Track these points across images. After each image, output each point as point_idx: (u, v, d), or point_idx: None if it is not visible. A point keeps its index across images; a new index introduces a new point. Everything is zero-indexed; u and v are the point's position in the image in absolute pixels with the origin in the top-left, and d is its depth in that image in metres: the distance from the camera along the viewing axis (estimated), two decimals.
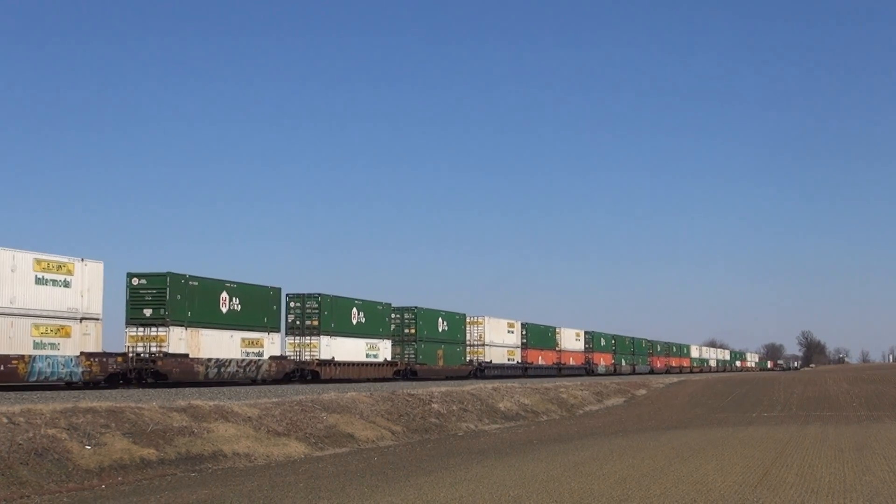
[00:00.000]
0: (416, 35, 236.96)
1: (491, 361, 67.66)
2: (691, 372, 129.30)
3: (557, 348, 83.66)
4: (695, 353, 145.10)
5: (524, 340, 75.16)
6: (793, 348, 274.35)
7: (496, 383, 48.82)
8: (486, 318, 68.19)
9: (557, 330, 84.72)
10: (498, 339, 69.65)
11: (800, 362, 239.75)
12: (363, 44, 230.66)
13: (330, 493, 16.71)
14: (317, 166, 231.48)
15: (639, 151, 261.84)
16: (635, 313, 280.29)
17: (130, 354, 36.60)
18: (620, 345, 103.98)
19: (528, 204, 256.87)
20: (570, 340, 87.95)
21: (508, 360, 71.42)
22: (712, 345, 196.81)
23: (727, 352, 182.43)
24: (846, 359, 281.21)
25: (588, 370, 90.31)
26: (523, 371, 73.43)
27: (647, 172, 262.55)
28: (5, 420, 19.27)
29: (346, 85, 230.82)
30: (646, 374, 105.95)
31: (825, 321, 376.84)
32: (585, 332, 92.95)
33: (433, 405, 35.78)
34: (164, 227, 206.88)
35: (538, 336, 79.16)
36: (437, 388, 40.29)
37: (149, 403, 24.21)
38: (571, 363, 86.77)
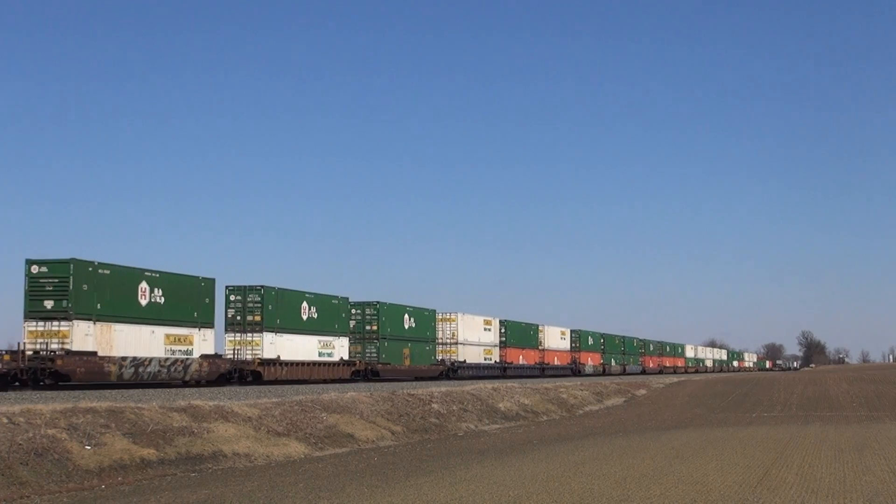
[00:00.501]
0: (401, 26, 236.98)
1: (465, 361, 62.91)
2: (686, 372, 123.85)
3: (540, 347, 78.12)
4: (690, 352, 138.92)
5: (503, 339, 70.36)
6: (793, 348, 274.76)
7: (496, 383, 48.78)
8: (460, 315, 63.37)
9: (540, 328, 79.00)
10: (473, 337, 64.95)
11: (799, 362, 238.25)
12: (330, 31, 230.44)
13: (330, 493, 16.71)
14: (271, 154, 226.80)
15: (635, 147, 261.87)
16: (634, 314, 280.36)
17: (27, 352, 32.37)
18: (610, 344, 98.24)
19: (519, 199, 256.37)
20: (555, 339, 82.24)
21: (485, 359, 66.85)
22: (712, 345, 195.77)
23: (724, 351, 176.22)
24: (846, 359, 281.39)
25: (574, 370, 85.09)
26: (502, 371, 68.97)
27: (645, 170, 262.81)
28: (5, 420, 19.28)
29: (312, 74, 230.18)
30: (637, 374, 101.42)
31: (825, 321, 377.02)
32: (571, 331, 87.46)
33: (433, 405, 35.79)
34: (103, 217, 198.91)
35: (518, 334, 74.01)
36: (437, 389, 40.32)
37: (149, 403, 24.23)
38: (556, 363, 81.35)
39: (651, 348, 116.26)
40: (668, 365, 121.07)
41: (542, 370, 77.57)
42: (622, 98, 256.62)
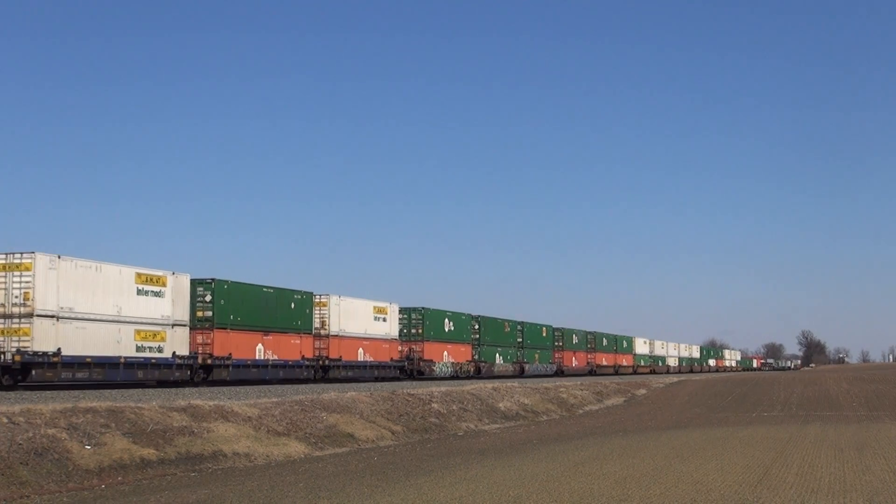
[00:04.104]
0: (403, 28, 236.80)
1: (59, 352, 31.55)
2: (635, 373, 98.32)
3: (323, 332, 47.26)
4: (642, 348, 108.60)
5: (207, 315, 39.21)
6: (793, 348, 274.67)
7: (496, 383, 48.81)
8: (40, 257, 31.36)
9: (318, 299, 47.27)
10: (94, 307, 33.34)
11: (792, 361, 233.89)
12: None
13: (330, 493, 16.71)
14: (264, 154, 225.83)
15: (635, 147, 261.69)
16: (633, 314, 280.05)
17: None
18: (493, 332, 67.75)
19: (521, 199, 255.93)
20: (360, 319, 50.24)
21: (140, 348, 35.13)
22: (712, 344, 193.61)
23: (695, 348, 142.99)
24: (846, 359, 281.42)
25: (408, 370, 55.10)
26: (186, 373, 37.37)
27: (645, 171, 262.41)
28: (5, 420, 19.28)
29: (300, 74, 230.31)
30: (549, 376, 74.15)
31: (825, 321, 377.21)
32: (404, 309, 56.08)
33: (433, 405, 35.80)
34: (94, 216, 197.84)
35: (249, 307, 41.51)
36: (438, 388, 40.35)
37: (149, 403, 24.24)
38: (364, 358, 50.04)
39: (575, 341, 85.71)
40: (604, 364, 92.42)
41: (319, 371, 46.73)
42: (620, 98, 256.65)
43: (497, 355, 67.98)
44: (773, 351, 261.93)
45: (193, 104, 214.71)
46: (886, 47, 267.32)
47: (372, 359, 51.16)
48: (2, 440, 18.18)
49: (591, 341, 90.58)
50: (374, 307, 52.08)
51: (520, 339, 72.63)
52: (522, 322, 73.63)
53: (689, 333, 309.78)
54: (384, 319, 52.89)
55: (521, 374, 70.34)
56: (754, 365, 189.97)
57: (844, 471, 19.41)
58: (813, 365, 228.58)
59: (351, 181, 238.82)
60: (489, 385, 46.00)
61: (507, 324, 70.88)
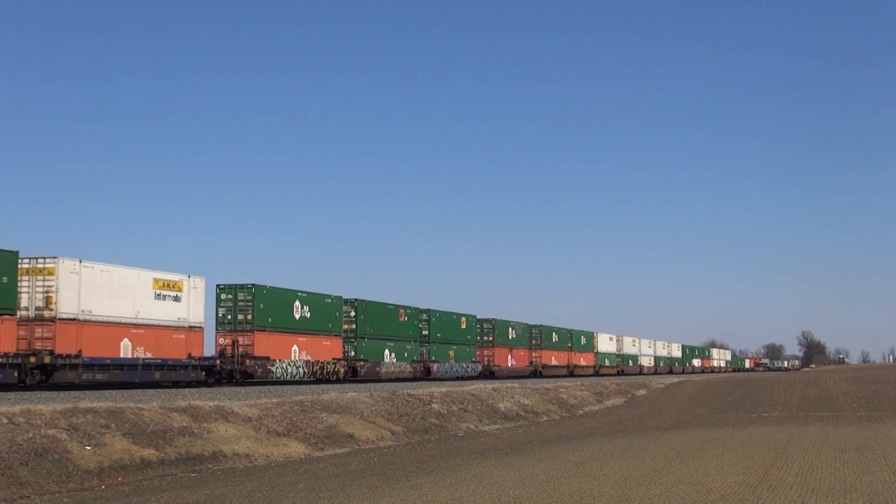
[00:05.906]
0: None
1: None
2: (597, 374, 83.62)
3: (47, 314, 32.85)
4: (607, 345, 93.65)
5: None
6: (793, 348, 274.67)
7: (496, 383, 48.80)
8: None
9: (36, 264, 33.10)
10: None
11: (790, 361, 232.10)
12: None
13: (330, 494, 16.71)
14: (265, 153, 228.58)
15: (635, 147, 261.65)
16: (633, 314, 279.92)
17: None
18: (379, 321, 52.97)
19: (523, 199, 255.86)
20: (124, 298, 35.60)
21: None
22: (712, 345, 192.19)
23: (676, 346, 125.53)
24: (846, 359, 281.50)
25: (223, 371, 40.95)
26: None
27: (645, 170, 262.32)
28: (5, 420, 19.29)
29: (297, 71, 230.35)
30: (471, 378, 59.62)
31: (825, 321, 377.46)
32: (227, 287, 42.68)
33: (433, 405, 35.82)
34: (96, 216, 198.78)
35: None
36: (438, 389, 40.38)
37: (149, 404, 24.25)
38: (129, 354, 35.42)
39: (512, 336, 70.57)
40: (553, 363, 78.39)
41: (33, 372, 31.84)
42: (622, 98, 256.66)
43: (386, 352, 53.65)
44: (774, 351, 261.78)
45: (192, 102, 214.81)
46: (890, 44, 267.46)
47: (150, 355, 36.58)
48: (2, 441, 18.18)
49: (537, 337, 75.87)
50: (157, 280, 37.27)
51: (425, 332, 58.58)
52: (428, 310, 58.99)
53: (690, 334, 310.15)
54: (176, 299, 38.18)
55: (425, 375, 56.86)
56: (747, 365, 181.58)
57: (845, 471, 19.42)
58: (813, 365, 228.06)
59: (347, 181, 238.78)
60: (489, 385, 46.05)
61: (402, 311, 55.52)
